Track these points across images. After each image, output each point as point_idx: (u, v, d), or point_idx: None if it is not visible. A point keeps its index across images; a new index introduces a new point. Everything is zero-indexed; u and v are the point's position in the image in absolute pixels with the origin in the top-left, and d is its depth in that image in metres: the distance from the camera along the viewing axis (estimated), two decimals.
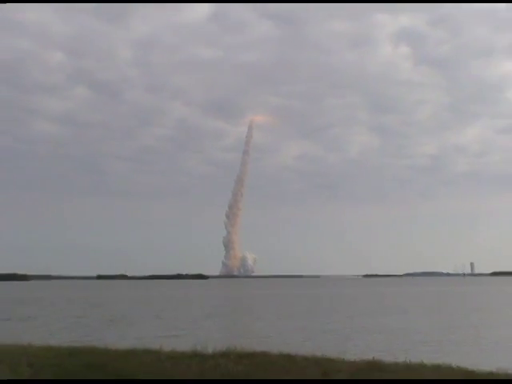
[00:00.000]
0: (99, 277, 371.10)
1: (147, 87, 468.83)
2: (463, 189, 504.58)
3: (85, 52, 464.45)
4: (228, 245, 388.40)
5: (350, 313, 63.40)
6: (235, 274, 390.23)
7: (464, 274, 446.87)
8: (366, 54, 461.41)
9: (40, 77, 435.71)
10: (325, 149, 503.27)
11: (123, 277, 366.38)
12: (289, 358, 16.41)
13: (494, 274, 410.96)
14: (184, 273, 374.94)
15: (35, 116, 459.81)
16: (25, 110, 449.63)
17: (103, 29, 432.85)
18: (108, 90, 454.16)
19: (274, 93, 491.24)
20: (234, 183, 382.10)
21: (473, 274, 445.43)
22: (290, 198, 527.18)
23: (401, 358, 16.63)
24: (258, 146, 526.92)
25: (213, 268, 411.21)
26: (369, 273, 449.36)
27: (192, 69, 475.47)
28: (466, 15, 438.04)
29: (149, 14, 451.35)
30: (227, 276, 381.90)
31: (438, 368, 15.26)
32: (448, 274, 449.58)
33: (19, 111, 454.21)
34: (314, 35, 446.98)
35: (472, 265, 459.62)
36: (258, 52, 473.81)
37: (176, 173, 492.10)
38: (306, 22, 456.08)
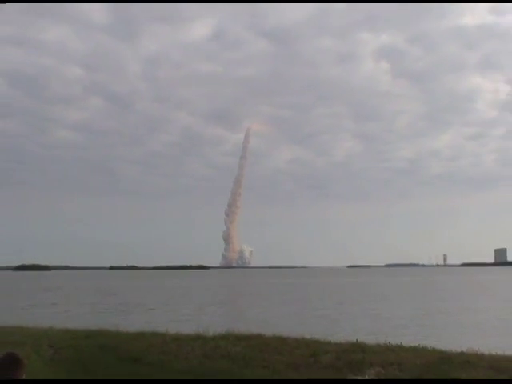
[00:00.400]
0: (111, 268, 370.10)
1: (155, 99, 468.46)
2: (437, 189, 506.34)
3: (100, 67, 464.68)
4: (227, 239, 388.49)
5: (338, 300, 63.15)
6: (233, 265, 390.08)
7: (438, 265, 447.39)
8: (350, 68, 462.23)
9: (60, 89, 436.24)
10: (314, 153, 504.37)
11: (133, 268, 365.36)
12: (281, 340, 16.37)
13: (464, 264, 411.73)
14: (188, 264, 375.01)
15: (55, 124, 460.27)
16: (46, 119, 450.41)
17: (116, 46, 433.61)
18: (120, 101, 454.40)
19: (269, 103, 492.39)
20: (232, 184, 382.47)
21: (445, 265, 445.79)
22: (283, 198, 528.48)
23: (384, 341, 16.56)
24: (254, 151, 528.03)
25: (213, 260, 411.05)
26: (352, 264, 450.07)
27: (195, 82, 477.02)
28: (440, 34, 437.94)
29: (157, 33, 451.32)
30: (226, 267, 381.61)
31: (414, 349, 15.23)
32: (423, 265, 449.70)
33: (42, 120, 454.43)
34: (305, 52, 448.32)
35: (445, 256, 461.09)
36: (254, 67, 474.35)
37: (180, 175, 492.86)
38: (298, 39, 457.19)
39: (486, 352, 14.73)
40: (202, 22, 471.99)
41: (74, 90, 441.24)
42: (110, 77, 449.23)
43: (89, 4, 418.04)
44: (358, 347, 15.32)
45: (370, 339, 17.53)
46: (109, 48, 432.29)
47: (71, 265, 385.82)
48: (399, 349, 15.30)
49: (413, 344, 16.10)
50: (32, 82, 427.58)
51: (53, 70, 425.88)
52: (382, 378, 12.23)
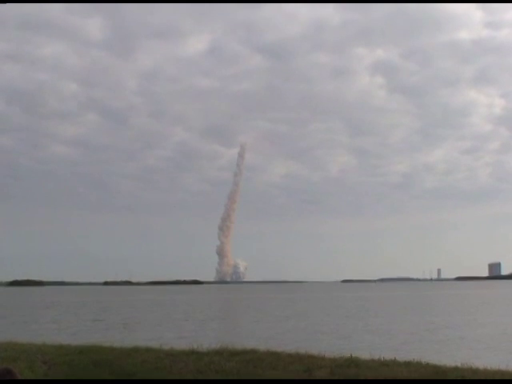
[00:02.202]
0: (106, 283, 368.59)
1: (151, 114, 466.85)
2: (431, 203, 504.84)
3: (96, 82, 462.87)
4: (221, 253, 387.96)
5: (341, 315, 62.63)
6: (228, 279, 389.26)
7: (432, 279, 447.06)
8: (345, 83, 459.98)
9: (56, 105, 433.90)
10: (308, 168, 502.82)
11: (128, 283, 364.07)
12: (275, 355, 16.33)
13: (458, 278, 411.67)
14: (182, 279, 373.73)
15: (51, 139, 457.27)
16: (42, 135, 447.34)
17: (112, 62, 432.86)
18: (116, 116, 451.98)
19: (264, 118, 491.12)
20: (227, 199, 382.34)
21: (439, 279, 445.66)
22: (277, 212, 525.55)
23: (378, 356, 16.51)
24: (249, 166, 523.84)
25: (207, 274, 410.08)
26: (346, 278, 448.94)
27: (191, 97, 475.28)
28: (435, 48, 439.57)
29: (153, 48, 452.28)
30: (220, 282, 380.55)
31: (408, 364, 15.21)
32: (417, 279, 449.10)
33: (37, 135, 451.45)
34: (300, 67, 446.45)
35: (439, 270, 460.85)
36: (249, 82, 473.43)
37: (175, 190, 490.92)
38: (293, 55, 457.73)
39: (481, 367, 14.75)
40: (198, 37, 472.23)
41: (69, 106, 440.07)
42: (106, 92, 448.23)
43: (85, 20, 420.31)
44: (353, 362, 15.30)
45: (364, 354, 17.49)
46: (105, 63, 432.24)
47: (65, 280, 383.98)
48: (393, 363, 15.29)
49: (407, 359, 16.07)
50: (28, 97, 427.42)
51: (49, 85, 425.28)
52: None
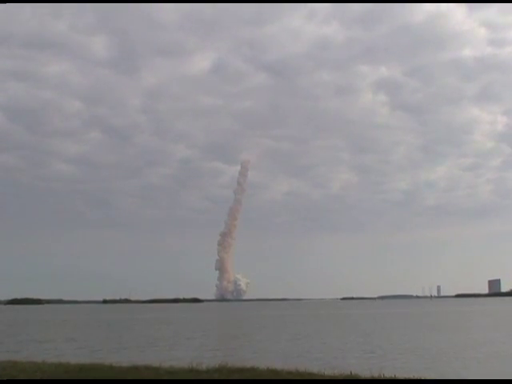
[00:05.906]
0: (105, 301, 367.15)
1: (154, 131, 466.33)
2: (432, 220, 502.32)
3: (100, 100, 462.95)
4: (221, 269, 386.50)
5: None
6: (228, 297, 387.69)
7: (431, 296, 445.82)
8: (349, 100, 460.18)
9: (59, 123, 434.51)
10: (310, 185, 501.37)
11: (127, 301, 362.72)
12: (275, 373, 16.29)
13: (458, 295, 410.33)
14: (181, 297, 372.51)
15: (54, 157, 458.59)
16: (45, 152, 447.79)
17: (116, 80, 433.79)
18: (119, 134, 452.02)
19: (267, 136, 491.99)
20: (227, 215, 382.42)
21: (439, 296, 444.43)
22: (279, 229, 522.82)
23: (378, 373, 16.44)
24: (251, 183, 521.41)
25: (206, 293, 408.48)
26: (346, 296, 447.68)
27: (194, 115, 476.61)
28: (438, 66, 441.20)
29: (157, 66, 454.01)
30: (221, 300, 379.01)
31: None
32: (417, 297, 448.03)
33: (40, 153, 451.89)
34: (304, 84, 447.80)
35: (438, 288, 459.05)
36: (253, 100, 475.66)
37: (177, 207, 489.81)
38: (297, 73, 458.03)
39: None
40: (202, 55, 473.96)
41: (73, 124, 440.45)
42: (110, 110, 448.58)
43: (90, 38, 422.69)
44: (352, 379, 15.26)
45: (364, 372, 17.40)
46: (109, 81, 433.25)
47: (64, 298, 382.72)
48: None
49: (407, 376, 16.01)
50: (31, 115, 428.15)
51: (53, 103, 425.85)
52: None
